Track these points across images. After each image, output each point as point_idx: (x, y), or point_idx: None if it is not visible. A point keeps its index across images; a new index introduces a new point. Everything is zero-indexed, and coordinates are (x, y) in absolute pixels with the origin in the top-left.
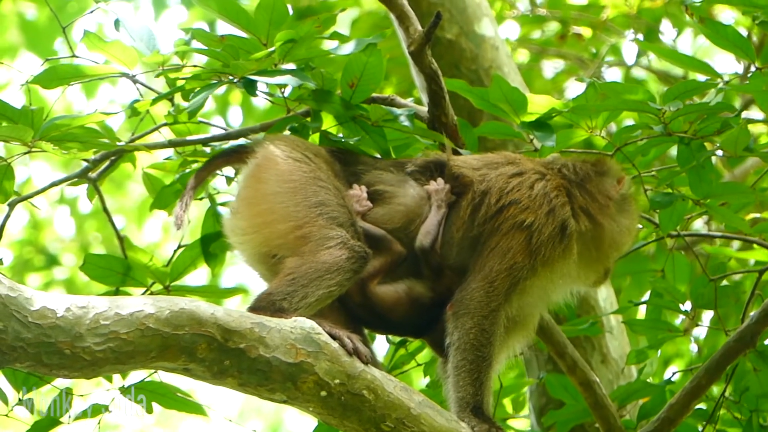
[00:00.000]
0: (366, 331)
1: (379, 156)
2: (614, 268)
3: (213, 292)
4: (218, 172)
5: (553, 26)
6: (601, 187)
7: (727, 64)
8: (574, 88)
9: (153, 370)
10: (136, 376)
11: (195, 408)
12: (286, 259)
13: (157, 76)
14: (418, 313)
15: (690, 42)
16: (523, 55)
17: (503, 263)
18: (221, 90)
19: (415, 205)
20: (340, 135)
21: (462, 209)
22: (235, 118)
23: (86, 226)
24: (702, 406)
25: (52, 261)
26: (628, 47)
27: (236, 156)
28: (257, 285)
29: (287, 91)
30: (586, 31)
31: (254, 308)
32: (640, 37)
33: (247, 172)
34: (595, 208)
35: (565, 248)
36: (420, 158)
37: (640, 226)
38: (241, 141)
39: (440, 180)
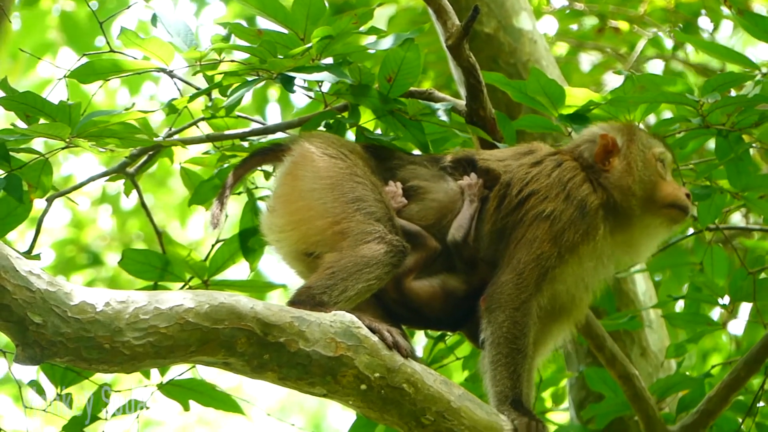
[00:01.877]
0: (403, 327)
1: (416, 151)
2: (653, 261)
3: (252, 287)
4: (256, 169)
5: (591, 20)
6: (588, 151)
7: (765, 55)
8: (612, 81)
9: (191, 366)
10: (175, 371)
11: (232, 406)
12: (325, 254)
13: (195, 73)
14: (453, 306)
15: (728, 36)
16: (561, 48)
17: (530, 254)
18: (259, 85)
19: (449, 201)
20: (378, 131)
21: (490, 202)
22: (274, 114)
23: (128, 225)
24: (741, 398)
25: (95, 259)
26: (667, 40)
27: (272, 154)
28: (296, 281)
29: (325, 86)
30: (624, 25)
31: (294, 302)
32: (678, 29)
33: (283, 169)
34: (594, 173)
35: (588, 227)
36: (451, 155)
37: None
38: (278, 137)
39: (473, 175)
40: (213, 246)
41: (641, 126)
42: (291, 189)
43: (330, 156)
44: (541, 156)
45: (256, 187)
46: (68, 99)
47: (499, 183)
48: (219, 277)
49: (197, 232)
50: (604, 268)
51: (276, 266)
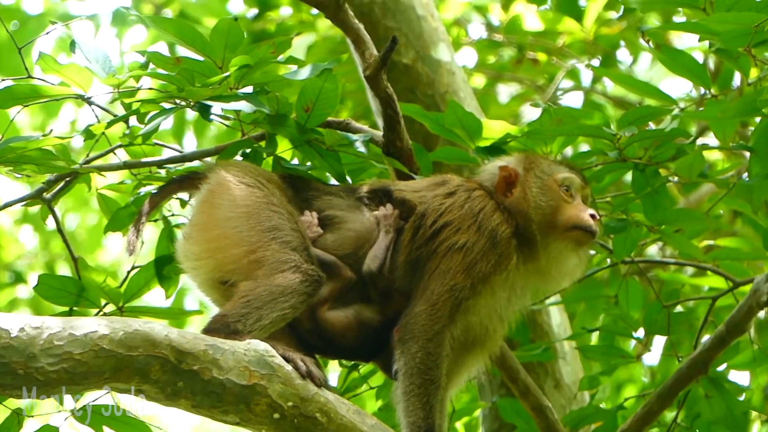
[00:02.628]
0: (318, 357)
1: (332, 180)
2: (568, 294)
3: (167, 314)
4: (172, 196)
5: (510, 51)
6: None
7: (684, 88)
8: (530, 113)
9: (105, 392)
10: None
11: None
12: (240, 283)
13: (112, 101)
14: (368, 337)
15: (648, 69)
16: (479, 80)
17: (444, 285)
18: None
19: (365, 231)
20: (295, 160)
21: (405, 233)
22: (192, 141)
23: (52, 245)
24: (655, 431)
25: (17, 278)
26: (586, 73)
27: (189, 182)
28: (212, 308)
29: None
30: (542, 57)
31: (209, 330)
32: (596, 62)
33: (199, 197)
34: (501, 202)
35: (500, 258)
36: (367, 185)
37: (594, 252)
38: (195, 165)
39: (389, 205)
40: (128, 273)
41: (555, 156)
42: (207, 217)
43: (247, 185)
44: (454, 186)
45: (173, 215)
46: None
47: (414, 214)
48: (135, 303)
49: (116, 253)
50: (518, 298)
51: (194, 293)
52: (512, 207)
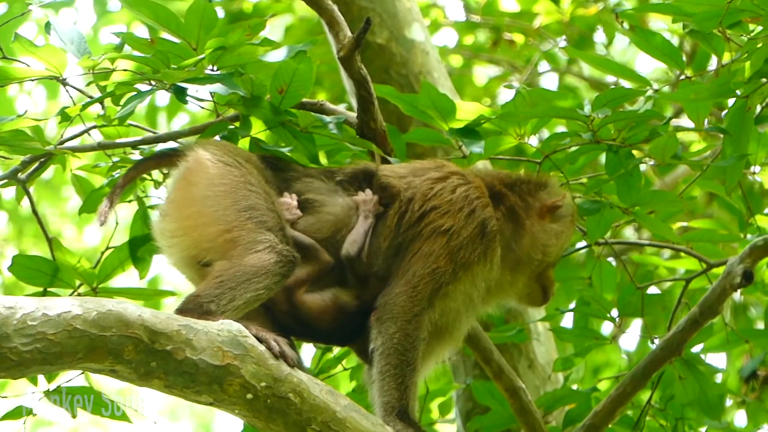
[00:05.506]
0: (293, 338)
1: (309, 162)
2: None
3: (141, 294)
4: (146, 176)
5: (487, 33)
6: (535, 192)
7: (661, 66)
8: (506, 94)
9: (79, 372)
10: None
11: (119, 414)
12: (215, 262)
13: (88, 84)
14: (344, 321)
15: (623, 49)
16: (456, 60)
17: (426, 267)
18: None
19: (344, 215)
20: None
21: (389, 218)
22: (165, 121)
23: (26, 230)
24: (629, 413)
25: None
26: (562, 54)
27: (167, 159)
28: (187, 287)
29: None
30: (519, 38)
31: (182, 310)
32: (570, 45)
33: (177, 175)
34: (520, 207)
35: (486, 249)
36: (350, 167)
37: None
38: (173, 144)
39: (368, 191)
40: (102, 253)
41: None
42: (184, 195)
43: (225, 163)
44: (446, 172)
45: (147, 196)
46: None
47: (400, 199)
48: (110, 284)
49: (94, 238)
50: (496, 296)
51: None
52: (534, 228)
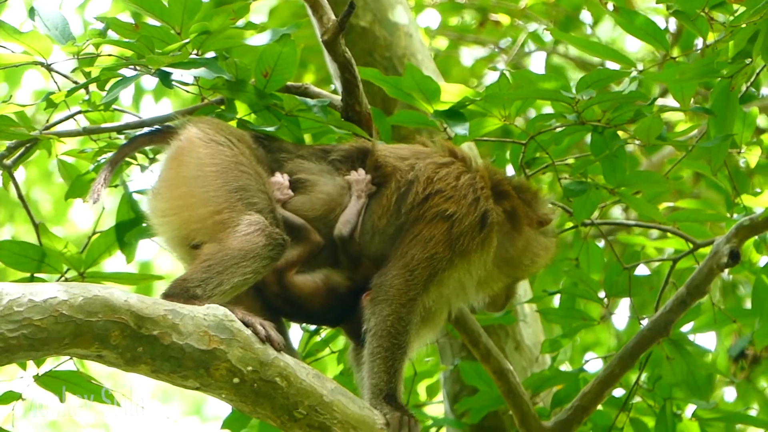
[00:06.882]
0: (283, 320)
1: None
2: None
3: (128, 279)
4: (131, 159)
5: (473, 13)
6: (533, 202)
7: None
8: (493, 76)
9: (66, 357)
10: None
11: (108, 397)
12: (204, 244)
13: (74, 71)
14: (335, 302)
15: (610, 29)
16: (442, 41)
17: (424, 252)
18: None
19: (337, 195)
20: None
21: (386, 198)
22: (149, 105)
23: (16, 214)
24: (617, 393)
25: None
26: (548, 35)
27: (160, 136)
28: (176, 271)
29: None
30: (505, 19)
31: (168, 294)
32: (555, 26)
33: (169, 153)
34: (522, 211)
35: (484, 239)
36: (345, 145)
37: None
38: (167, 123)
39: (361, 170)
40: (89, 238)
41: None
42: (175, 173)
43: (216, 143)
44: (450, 159)
45: (131, 180)
46: None
47: (397, 179)
48: (97, 269)
49: (83, 223)
50: (481, 286)
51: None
52: (526, 233)
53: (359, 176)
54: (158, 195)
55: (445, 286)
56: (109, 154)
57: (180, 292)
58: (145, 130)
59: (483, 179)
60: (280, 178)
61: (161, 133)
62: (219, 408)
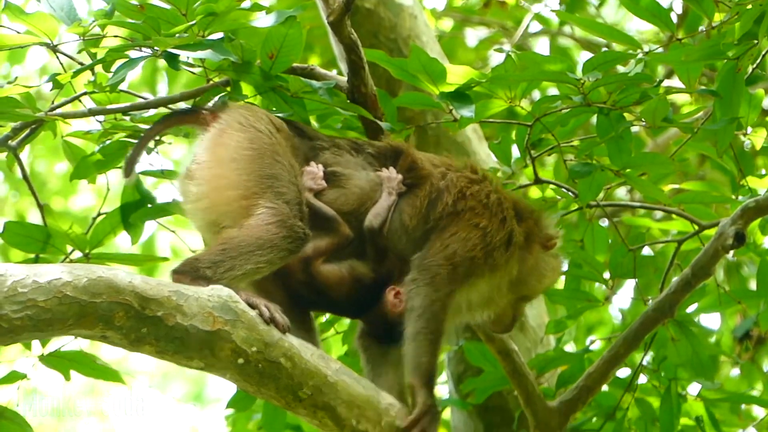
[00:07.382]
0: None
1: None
2: None
3: (133, 260)
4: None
5: None
6: (539, 224)
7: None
8: (497, 58)
9: (72, 338)
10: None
11: (113, 375)
12: (227, 229)
13: (80, 51)
14: (359, 292)
15: (615, 9)
16: (447, 22)
17: (465, 250)
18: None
19: (369, 189)
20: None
21: (418, 200)
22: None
23: (23, 192)
24: (622, 374)
25: None
26: (553, 16)
27: (194, 116)
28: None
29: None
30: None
31: (177, 271)
32: (562, 6)
33: (209, 135)
34: (534, 232)
35: (510, 257)
36: (381, 143)
37: (560, 196)
38: (161, 111)
39: (392, 169)
40: (94, 219)
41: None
42: (212, 156)
43: (257, 129)
44: (481, 176)
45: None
46: None
47: (430, 184)
48: (101, 249)
49: (88, 201)
50: (490, 303)
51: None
52: (534, 250)
53: (391, 174)
54: (192, 177)
55: (473, 291)
56: (114, 136)
57: (189, 270)
58: (180, 107)
59: (507, 200)
60: (315, 168)
61: (195, 113)
62: (221, 390)
